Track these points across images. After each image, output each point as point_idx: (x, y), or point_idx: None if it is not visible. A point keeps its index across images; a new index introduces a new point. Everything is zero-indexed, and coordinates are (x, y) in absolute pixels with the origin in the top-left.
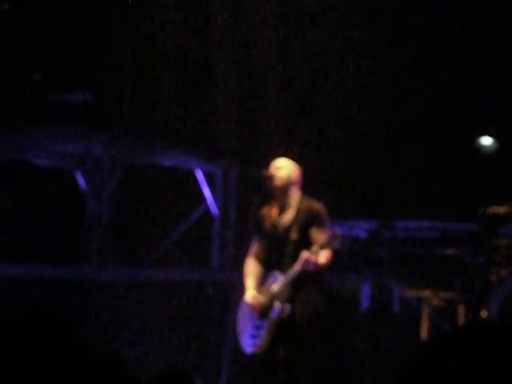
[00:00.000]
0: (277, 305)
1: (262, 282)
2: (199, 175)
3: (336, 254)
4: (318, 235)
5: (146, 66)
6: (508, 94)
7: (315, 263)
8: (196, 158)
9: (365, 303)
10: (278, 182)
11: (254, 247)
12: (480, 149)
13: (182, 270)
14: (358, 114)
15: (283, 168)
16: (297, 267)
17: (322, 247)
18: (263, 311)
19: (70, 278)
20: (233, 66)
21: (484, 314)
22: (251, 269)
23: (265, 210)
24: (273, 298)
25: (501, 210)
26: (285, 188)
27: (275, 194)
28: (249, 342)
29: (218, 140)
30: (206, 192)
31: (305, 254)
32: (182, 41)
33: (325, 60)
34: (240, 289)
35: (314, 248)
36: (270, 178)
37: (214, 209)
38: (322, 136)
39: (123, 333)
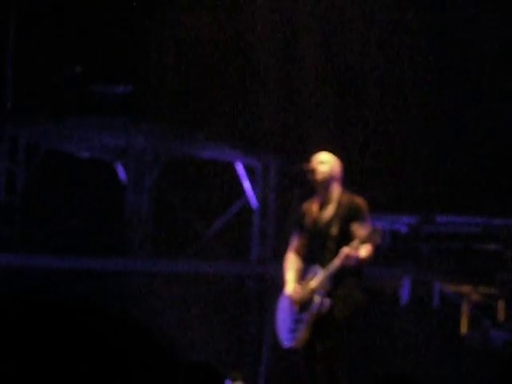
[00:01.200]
0: (316, 299)
1: (303, 276)
2: (239, 168)
3: (377, 249)
4: (359, 230)
5: (186, 58)
6: None
7: (356, 258)
8: (236, 151)
9: (405, 298)
10: (319, 177)
11: (295, 242)
12: None
13: (221, 263)
14: (401, 109)
15: (325, 162)
16: (337, 262)
17: (363, 242)
18: (303, 305)
19: (110, 268)
20: (275, 59)
21: None
22: (291, 263)
23: (306, 205)
24: (313, 292)
25: None
26: (326, 183)
27: (316, 188)
28: (287, 336)
29: (259, 133)
30: (246, 185)
31: (345, 249)
32: (223, 33)
33: (369, 52)
34: (280, 283)
35: (355, 243)
36: (312, 172)
37: (253, 202)
38: (363, 131)
39: (162, 324)
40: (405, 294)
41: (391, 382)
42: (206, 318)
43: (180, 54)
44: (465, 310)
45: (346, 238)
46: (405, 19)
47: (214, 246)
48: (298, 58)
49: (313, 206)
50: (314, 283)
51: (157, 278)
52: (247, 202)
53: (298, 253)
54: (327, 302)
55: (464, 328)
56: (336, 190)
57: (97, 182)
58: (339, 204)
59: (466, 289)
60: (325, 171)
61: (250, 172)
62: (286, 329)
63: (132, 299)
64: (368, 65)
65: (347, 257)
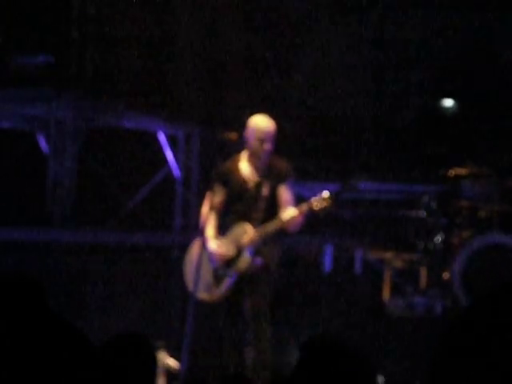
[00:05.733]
0: (247, 256)
1: (221, 232)
2: (161, 137)
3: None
4: (286, 193)
5: (108, 27)
6: (469, 55)
7: (299, 224)
8: (158, 121)
9: (327, 265)
10: (265, 150)
11: (215, 198)
12: (442, 110)
13: (145, 233)
14: (322, 77)
15: (273, 127)
16: (280, 222)
17: (319, 208)
18: (228, 261)
19: (33, 240)
20: (196, 28)
21: (446, 275)
22: (211, 219)
23: (229, 164)
24: (241, 248)
25: (463, 171)
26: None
27: (252, 152)
28: (204, 288)
29: (181, 102)
30: (169, 154)
31: (291, 212)
32: (144, 1)
33: (290, 24)
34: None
35: (304, 206)
36: (264, 139)
37: (176, 171)
38: (285, 98)
39: (86, 295)
40: (327, 261)
41: (315, 346)
42: (130, 289)
43: (101, 23)
44: (387, 276)
45: (275, 199)
46: None
47: (137, 216)
48: (220, 26)
49: (239, 166)
50: (244, 240)
51: (80, 249)
52: (170, 172)
53: (217, 209)
54: (259, 260)
55: (386, 294)
56: (268, 153)
57: (18, 153)
58: (269, 166)
59: (388, 255)
60: (270, 147)
61: (173, 141)
62: (202, 281)
63: (54, 270)
64: (293, 36)
65: (292, 220)
